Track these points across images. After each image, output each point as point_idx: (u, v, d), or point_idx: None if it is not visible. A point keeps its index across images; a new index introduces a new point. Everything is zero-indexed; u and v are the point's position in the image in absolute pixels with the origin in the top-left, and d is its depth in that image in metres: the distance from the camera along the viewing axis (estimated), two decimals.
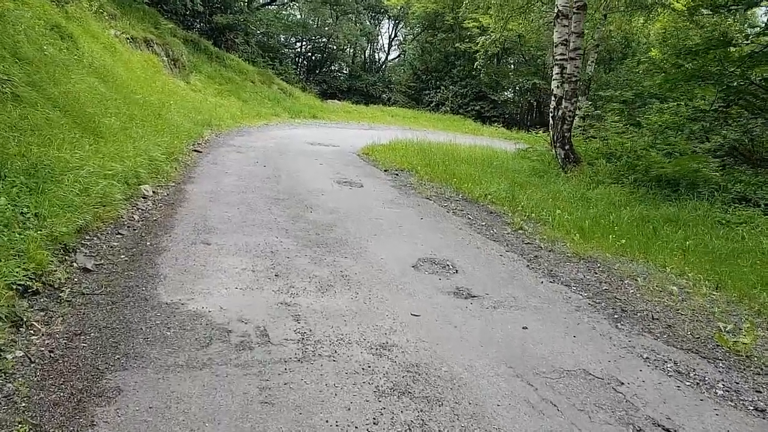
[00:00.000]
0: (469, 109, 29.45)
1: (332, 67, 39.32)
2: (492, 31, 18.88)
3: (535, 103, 31.88)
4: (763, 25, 18.48)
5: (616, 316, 4.18)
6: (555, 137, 11.26)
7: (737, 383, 3.37)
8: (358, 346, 3.33)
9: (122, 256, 4.58)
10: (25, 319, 3.19)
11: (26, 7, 9.50)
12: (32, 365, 2.84)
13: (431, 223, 6.79)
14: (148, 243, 4.99)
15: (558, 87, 11.98)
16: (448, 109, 29.46)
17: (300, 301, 3.96)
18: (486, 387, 3.01)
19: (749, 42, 10.59)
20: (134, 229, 5.36)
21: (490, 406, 2.83)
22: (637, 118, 13.70)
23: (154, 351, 3.07)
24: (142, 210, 6.05)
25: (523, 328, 3.80)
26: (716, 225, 7.21)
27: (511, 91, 33.82)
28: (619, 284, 4.87)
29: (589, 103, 18.08)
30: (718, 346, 3.86)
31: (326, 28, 34.77)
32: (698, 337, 3.96)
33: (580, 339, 3.71)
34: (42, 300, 3.52)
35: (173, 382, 2.79)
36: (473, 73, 29.96)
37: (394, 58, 44.84)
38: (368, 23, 39.13)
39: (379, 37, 43.10)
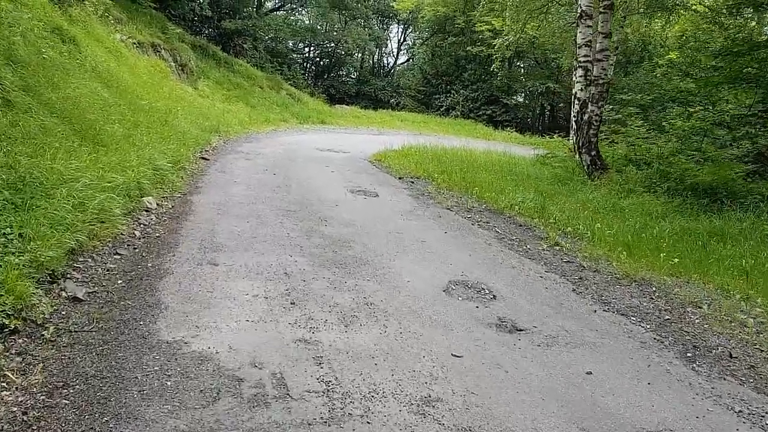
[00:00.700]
0: (481, 113, 28.85)
1: (340, 72, 38.87)
2: (506, 34, 18.36)
3: (548, 107, 31.25)
4: None
5: (689, 355, 3.60)
6: (580, 143, 10.69)
7: None
8: (395, 401, 2.77)
9: (119, 281, 4.06)
10: None
11: (26, 9, 9.03)
12: None
13: (457, 237, 6.23)
14: (149, 264, 4.46)
15: (582, 90, 11.43)
16: (459, 113, 28.88)
17: (321, 337, 3.41)
18: None
19: None
20: (134, 248, 4.84)
21: None
22: (663, 123, 13.12)
23: (150, 409, 2.53)
24: (144, 225, 5.53)
25: (587, 372, 3.23)
26: (766, 239, 6.61)
27: (522, 95, 33.23)
28: (682, 313, 4.29)
29: (610, 107, 17.49)
30: None
31: (335, 33, 34.32)
32: None
33: (656, 386, 3.14)
34: (20, 341, 2.99)
35: None
36: (484, 77, 29.40)
37: (403, 63, 44.37)
38: (377, 28, 38.67)
39: (388, 41, 42.66)
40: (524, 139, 23.98)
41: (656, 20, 18.81)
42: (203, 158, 9.83)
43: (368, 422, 2.56)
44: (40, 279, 3.60)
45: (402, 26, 41.23)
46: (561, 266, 5.35)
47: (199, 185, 7.69)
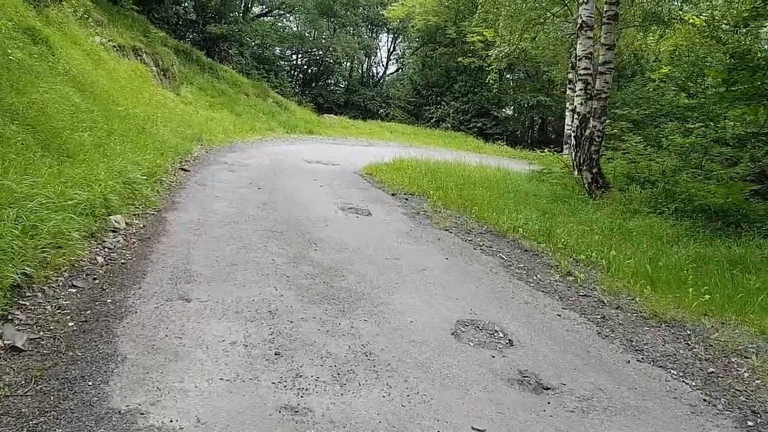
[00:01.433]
0: (471, 125, 28.42)
1: (329, 81, 38.30)
2: (497, 45, 17.96)
3: (539, 121, 30.94)
4: None
5: (749, 423, 3.04)
6: (581, 159, 10.21)
7: None
8: None
9: (70, 324, 3.41)
10: None
11: None
12: None
13: (459, 265, 5.66)
14: (109, 300, 3.82)
15: (582, 104, 10.99)
16: (449, 125, 28.42)
17: (312, 402, 2.80)
18: None
19: None
20: (94, 279, 4.18)
21: None
22: (661, 138, 12.73)
23: None
24: (109, 249, 4.88)
25: None
26: None
27: (511, 108, 32.92)
28: (727, 364, 3.75)
29: (608, 121, 17.13)
30: None
31: (323, 41, 33.75)
32: None
33: None
34: None
35: None
36: (475, 89, 29.03)
37: (392, 73, 43.93)
38: (366, 36, 38.21)
39: (378, 50, 42.22)
40: (515, 153, 23.58)
41: (651, 34, 18.54)
42: (183, 169, 9.17)
43: None
44: None
45: (392, 35, 40.86)
46: (578, 302, 4.79)
47: (177, 200, 7.05)
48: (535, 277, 5.41)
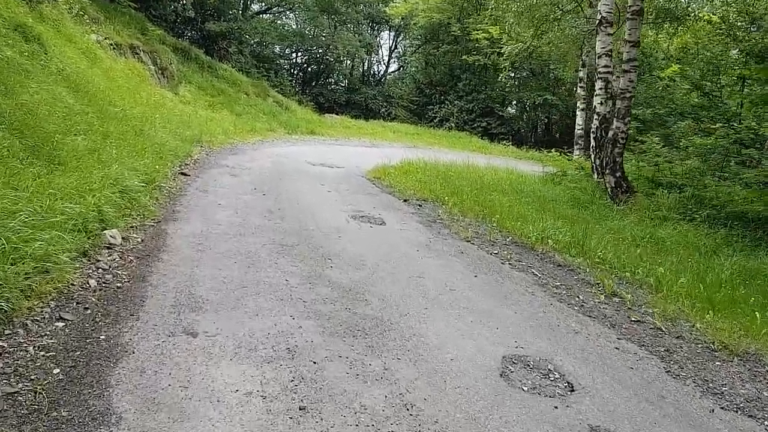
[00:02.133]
0: (476, 125, 27.80)
1: (329, 80, 37.63)
2: (511, 42, 17.41)
3: (545, 120, 30.37)
4: None
5: None
6: (603, 162, 9.69)
7: None
8: None
9: (56, 371, 2.87)
10: None
11: None
12: None
13: (490, 284, 5.13)
14: (102, 337, 3.28)
15: (602, 104, 10.47)
16: (453, 125, 27.80)
17: None
18: None
19: None
20: (86, 308, 3.64)
21: None
22: (679, 140, 12.24)
23: None
24: (103, 270, 4.33)
25: None
26: None
27: (515, 107, 32.36)
28: None
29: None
30: None
31: (324, 38, 33.09)
32: None
33: None
34: None
35: None
36: (480, 87, 28.45)
37: (394, 71, 43.25)
38: (368, 34, 37.57)
39: (379, 48, 41.56)
40: (522, 154, 23.05)
41: (664, 31, 18.01)
42: (183, 174, 8.64)
43: None
44: None
45: (393, 33, 40.20)
46: (633, 330, 4.26)
47: (177, 209, 6.51)
48: (576, 298, 4.87)
